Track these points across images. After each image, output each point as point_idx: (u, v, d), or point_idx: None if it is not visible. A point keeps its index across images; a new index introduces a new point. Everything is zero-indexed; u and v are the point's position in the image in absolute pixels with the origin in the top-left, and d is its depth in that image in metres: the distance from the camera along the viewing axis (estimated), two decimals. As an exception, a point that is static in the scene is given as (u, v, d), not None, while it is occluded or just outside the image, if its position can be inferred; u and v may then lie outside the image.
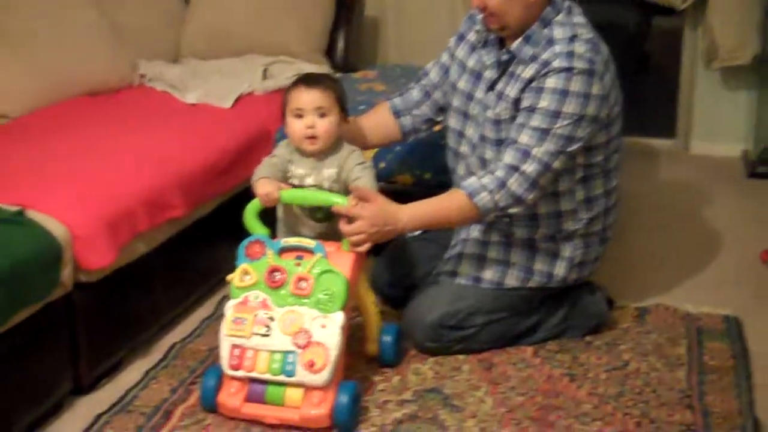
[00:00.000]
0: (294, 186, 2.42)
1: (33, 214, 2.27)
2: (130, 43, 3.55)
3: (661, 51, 5.62)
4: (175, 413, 2.30)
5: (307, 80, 2.42)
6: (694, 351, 2.57)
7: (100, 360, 2.46)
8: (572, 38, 2.38)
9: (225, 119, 3.18)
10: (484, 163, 2.51)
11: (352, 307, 2.38)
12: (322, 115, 2.36)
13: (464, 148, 2.62)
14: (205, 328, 2.75)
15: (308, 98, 2.37)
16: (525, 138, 2.36)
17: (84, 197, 2.40)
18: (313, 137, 2.37)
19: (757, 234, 3.38)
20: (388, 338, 2.46)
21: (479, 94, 2.55)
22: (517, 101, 2.42)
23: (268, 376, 2.20)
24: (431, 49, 4.10)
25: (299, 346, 2.18)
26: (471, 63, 2.59)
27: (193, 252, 2.84)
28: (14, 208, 2.26)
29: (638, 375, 2.45)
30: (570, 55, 2.35)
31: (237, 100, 3.34)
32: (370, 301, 2.46)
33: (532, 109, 2.36)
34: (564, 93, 2.34)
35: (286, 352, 2.19)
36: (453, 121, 2.66)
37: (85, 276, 2.35)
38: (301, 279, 2.24)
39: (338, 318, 2.21)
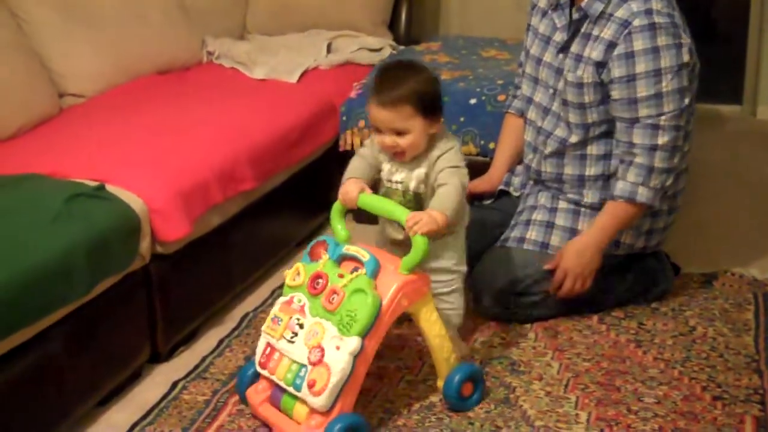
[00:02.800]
0: (385, 183, 2.28)
1: (112, 189, 2.35)
2: (198, 20, 3.63)
3: (727, 17, 5.53)
4: (250, 380, 2.38)
5: (379, 94, 2.17)
6: (761, 316, 2.56)
7: (176, 329, 2.55)
8: None
9: (292, 94, 3.24)
10: (569, 127, 2.53)
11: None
12: (400, 134, 2.17)
13: (532, 114, 2.64)
14: (276, 297, 2.81)
15: (381, 117, 2.17)
16: (644, 111, 2.37)
17: (160, 172, 2.48)
18: (398, 152, 2.21)
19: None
20: (456, 378, 2.18)
21: (548, 57, 2.57)
22: (600, 64, 2.41)
23: (283, 384, 2.10)
24: (493, 20, 4.16)
25: (311, 362, 2.04)
26: (542, 28, 2.60)
27: (264, 223, 2.91)
28: (95, 184, 2.35)
29: (705, 340, 2.46)
30: (649, 12, 2.35)
31: (303, 75, 3.40)
32: (434, 333, 2.17)
33: (631, 78, 2.37)
34: (655, 50, 2.35)
35: (301, 365, 2.06)
36: (524, 87, 2.68)
37: (162, 248, 2.44)
38: (334, 292, 2.08)
39: (351, 343, 2.01)
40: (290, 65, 3.44)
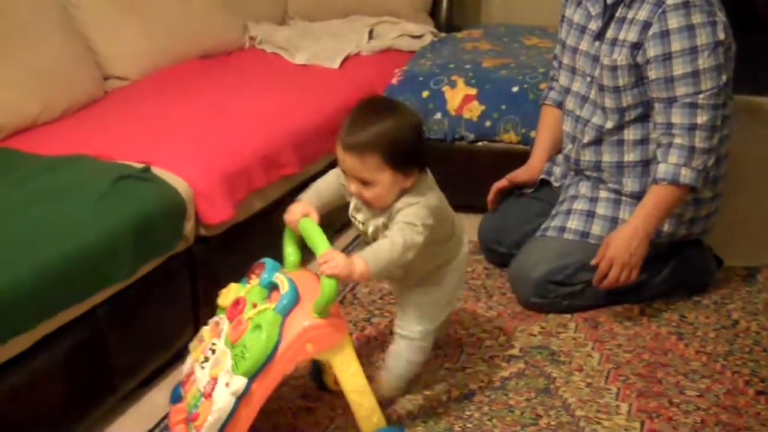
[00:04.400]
0: (350, 215, 2.09)
1: (158, 172, 2.37)
2: (240, 5, 3.65)
3: (770, 7, 5.44)
4: (291, 364, 2.39)
5: (346, 135, 1.90)
6: (806, 311, 2.55)
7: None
8: None
9: (333, 79, 3.25)
10: (604, 112, 2.52)
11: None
12: (366, 183, 1.93)
13: (570, 104, 2.63)
14: (316, 282, 2.83)
15: (346, 163, 1.92)
16: (681, 89, 2.35)
17: (204, 155, 2.50)
18: (363, 200, 1.99)
19: None
20: None
21: (584, 46, 2.55)
22: (636, 45, 2.40)
23: (186, 410, 1.95)
24: (535, 8, 4.13)
25: (204, 394, 1.87)
26: (576, 18, 2.59)
27: (305, 209, 2.92)
28: (141, 166, 2.37)
29: (748, 334, 2.44)
30: None
31: (344, 61, 3.41)
32: (351, 388, 1.94)
33: (667, 57, 2.35)
34: (690, 28, 2.33)
35: (200, 394, 1.89)
36: (562, 78, 2.67)
37: (205, 230, 2.45)
38: (239, 323, 1.89)
39: (236, 382, 1.81)
40: (332, 51, 3.44)
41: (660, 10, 2.35)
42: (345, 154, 1.91)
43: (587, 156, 2.60)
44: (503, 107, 3.11)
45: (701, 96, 2.35)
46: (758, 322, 2.49)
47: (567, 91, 2.65)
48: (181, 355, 2.44)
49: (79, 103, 2.86)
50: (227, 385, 1.83)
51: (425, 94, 3.21)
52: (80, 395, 2.10)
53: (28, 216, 2.08)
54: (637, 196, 2.52)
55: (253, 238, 2.67)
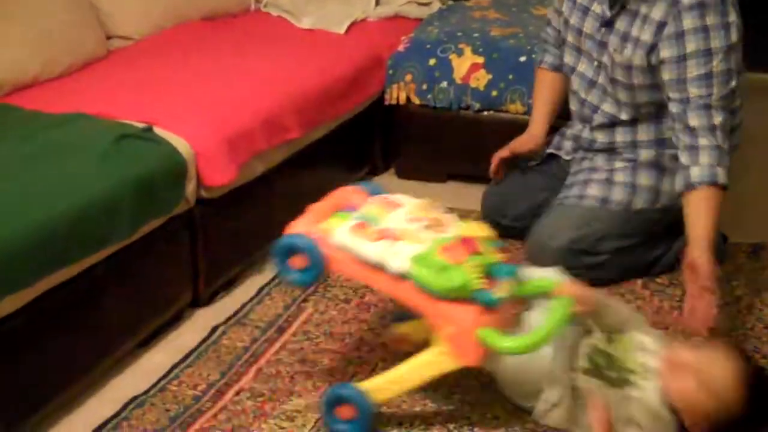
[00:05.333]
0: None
1: (160, 132, 2.34)
2: (246, -32, 3.60)
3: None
4: (288, 329, 2.38)
5: None
6: (810, 290, 2.53)
7: (218, 274, 2.56)
8: None
9: (339, 45, 3.21)
10: (618, 104, 2.50)
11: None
12: None
13: (575, 84, 2.60)
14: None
15: None
16: (694, 90, 2.32)
17: (207, 117, 2.47)
18: None
19: None
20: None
21: (588, 29, 2.52)
22: (652, 46, 2.37)
23: None
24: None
25: None
26: None
27: (307, 173, 2.90)
28: (143, 126, 2.34)
29: (751, 311, 2.43)
30: None
31: (350, 26, 3.37)
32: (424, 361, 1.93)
33: (682, 58, 2.32)
34: (705, 29, 2.30)
35: None
36: (567, 57, 2.63)
37: (206, 192, 2.43)
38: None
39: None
40: (338, 16, 3.40)
41: (675, 10, 2.32)
42: None
43: (599, 137, 2.58)
44: (510, 77, 3.08)
45: (713, 97, 2.32)
46: (762, 300, 2.48)
47: (572, 70, 2.61)
48: (180, 316, 2.44)
49: (81, 61, 2.82)
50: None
51: (432, 62, 3.17)
52: (78, 354, 2.09)
53: (29, 172, 2.06)
54: (653, 163, 2.51)
55: (255, 202, 2.65)
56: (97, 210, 2.04)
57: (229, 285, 2.61)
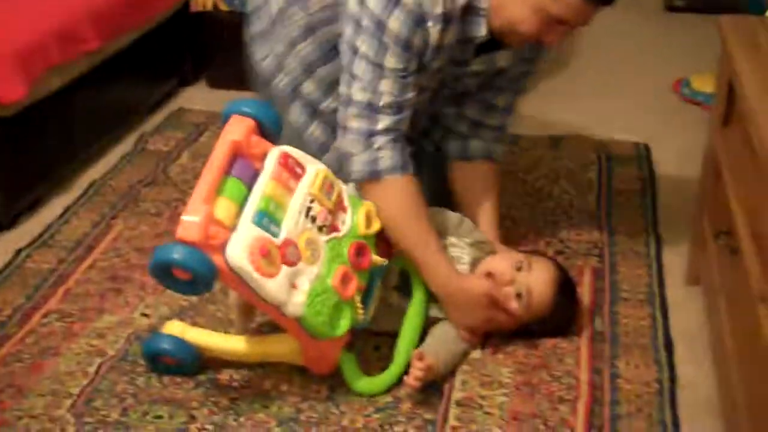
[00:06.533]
0: None
1: (-62, 47, 2.21)
2: None
3: None
4: (97, 248, 2.32)
5: None
6: (603, 176, 2.66)
7: (19, 196, 2.46)
8: None
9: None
10: None
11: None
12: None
13: None
14: (126, 164, 2.74)
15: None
16: None
17: (-10, 29, 2.34)
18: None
19: (671, 64, 3.44)
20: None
21: None
22: None
23: None
24: None
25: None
26: None
27: (110, 88, 2.80)
28: None
29: (550, 198, 2.54)
30: None
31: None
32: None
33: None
34: None
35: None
36: None
37: (-1, 110, 2.32)
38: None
39: None
40: None
41: None
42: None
43: None
44: None
45: None
46: (560, 187, 2.58)
47: None
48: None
49: None
50: None
51: None
52: None
53: None
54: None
55: (54, 119, 2.55)
56: None
57: (32, 207, 2.51)
